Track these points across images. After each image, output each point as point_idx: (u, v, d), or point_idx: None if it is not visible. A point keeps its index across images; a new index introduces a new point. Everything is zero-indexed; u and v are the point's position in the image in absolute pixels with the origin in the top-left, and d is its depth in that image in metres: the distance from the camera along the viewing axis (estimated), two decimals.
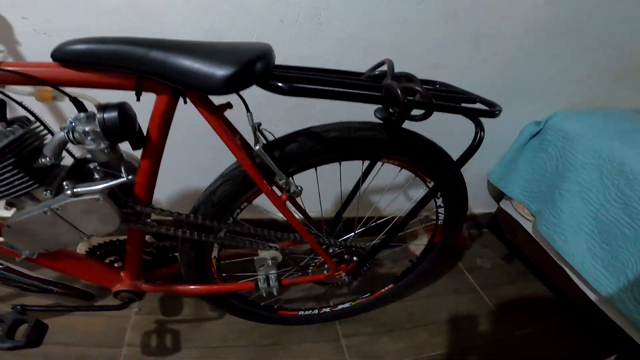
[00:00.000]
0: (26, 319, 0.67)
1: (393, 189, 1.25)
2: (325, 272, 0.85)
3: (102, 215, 0.55)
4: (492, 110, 0.54)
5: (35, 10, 0.80)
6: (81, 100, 0.52)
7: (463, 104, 0.59)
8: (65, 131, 0.51)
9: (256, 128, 0.62)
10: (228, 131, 0.58)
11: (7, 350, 0.63)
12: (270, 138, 0.65)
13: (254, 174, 0.61)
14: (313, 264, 0.85)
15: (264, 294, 0.82)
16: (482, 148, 0.56)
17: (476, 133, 0.56)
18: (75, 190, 0.52)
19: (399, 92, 0.51)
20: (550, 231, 1.03)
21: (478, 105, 0.58)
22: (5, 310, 0.70)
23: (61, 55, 0.47)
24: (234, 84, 0.47)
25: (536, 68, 1.07)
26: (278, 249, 0.75)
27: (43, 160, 0.52)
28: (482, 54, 1.00)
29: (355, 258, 0.84)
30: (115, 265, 0.81)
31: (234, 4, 0.83)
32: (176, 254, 0.84)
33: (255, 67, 0.48)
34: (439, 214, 0.82)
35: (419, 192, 1.25)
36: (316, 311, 1.05)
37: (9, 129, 0.51)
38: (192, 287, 0.79)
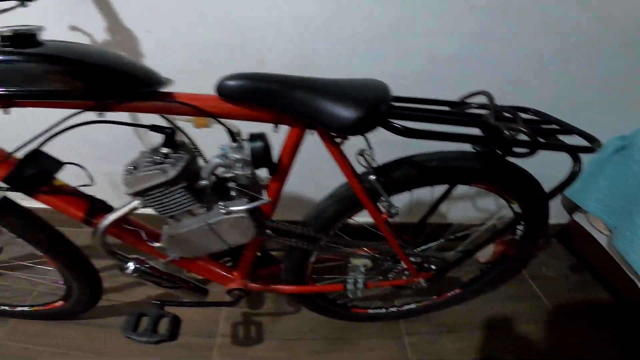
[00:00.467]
0: (165, 313, 0.81)
1: (464, 199, 1.31)
2: (404, 277, 0.95)
3: (243, 229, 0.67)
4: (592, 147, 0.60)
5: (156, 24, 0.93)
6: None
7: (559, 136, 0.65)
8: (220, 158, 0.63)
9: (363, 154, 0.72)
10: (345, 159, 0.68)
11: (154, 343, 0.77)
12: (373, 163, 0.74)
13: (362, 197, 0.71)
14: (395, 270, 0.94)
15: (350, 295, 0.92)
16: (560, 162, 0.60)
17: (574, 168, 0.62)
18: (229, 209, 0.64)
19: (506, 134, 0.58)
20: (626, 246, 1.06)
21: (577, 139, 0.64)
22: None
23: (222, 90, 0.58)
24: (362, 127, 0.57)
25: (626, 83, 1.08)
26: (369, 257, 0.85)
27: (202, 182, 0.64)
28: (569, 69, 1.03)
29: (433, 267, 0.92)
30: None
31: (324, 22, 0.92)
32: (273, 257, 0.96)
33: (379, 109, 0.58)
34: (517, 229, 0.89)
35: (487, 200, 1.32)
36: (383, 310, 1.16)
37: (175, 155, 0.62)
38: (288, 287, 0.92)
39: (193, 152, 0.65)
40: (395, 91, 0.65)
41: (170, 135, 0.60)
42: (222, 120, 0.61)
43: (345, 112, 0.56)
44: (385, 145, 0.77)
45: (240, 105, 0.60)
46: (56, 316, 1.05)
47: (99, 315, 1.12)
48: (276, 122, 0.62)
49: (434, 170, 0.71)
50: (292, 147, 0.66)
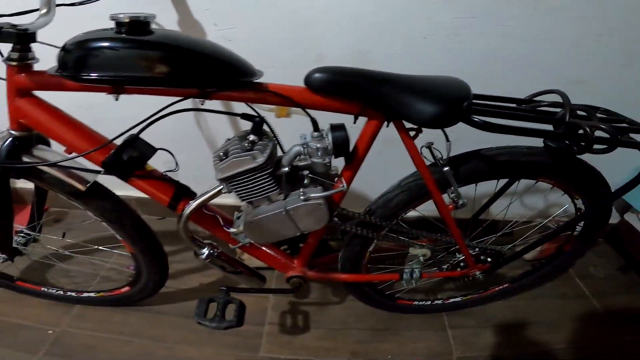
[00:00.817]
0: (231, 299, 0.86)
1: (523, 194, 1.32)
2: (459, 269, 0.97)
3: (318, 216, 0.71)
4: None
5: (223, 18, 0.98)
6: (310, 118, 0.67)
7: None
8: (302, 146, 0.66)
9: (430, 147, 0.74)
10: (418, 151, 0.71)
11: (223, 329, 0.81)
12: (437, 155, 0.77)
13: (432, 187, 0.74)
14: (451, 261, 0.96)
15: (405, 285, 0.95)
16: (614, 161, 0.61)
17: None
18: (308, 195, 0.68)
19: (588, 131, 0.60)
20: None
21: None
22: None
23: (311, 82, 0.63)
24: (446, 121, 0.61)
25: None
26: (430, 248, 0.88)
27: (283, 169, 0.68)
28: (632, 71, 1.04)
29: (489, 259, 0.94)
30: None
31: (381, 20, 0.95)
32: (329, 245, 0.99)
33: (462, 106, 0.61)
34: (577, 225, 0.90)
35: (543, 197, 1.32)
36: (429, 302, 1.18)
37: (261, 142, 0.66)
38: (345, 275, 0.95)
39: (275, 140, 0.69)
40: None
41: (259, 124, 0.65)
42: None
43: (431, 108, 0.60)
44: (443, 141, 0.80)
45: (327, 97, 0.64)
46: (120, 302, 1.12)
47: (157, 302, 1.18)
48: (358, 114, 0.66)
49: (504, 164, 0.74)
50: (369, 138, 0.70)
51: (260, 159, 0.63)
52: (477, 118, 0.61)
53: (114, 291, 1.08)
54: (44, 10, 0.57)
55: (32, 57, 0.62)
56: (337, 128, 0.66)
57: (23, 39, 0.59)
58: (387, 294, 1.14)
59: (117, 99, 0.61)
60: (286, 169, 0.68)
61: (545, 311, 1.24)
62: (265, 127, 0.69)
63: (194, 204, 0.73)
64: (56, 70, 0.59)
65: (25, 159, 0.69)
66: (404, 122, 0.68)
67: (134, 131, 0.63)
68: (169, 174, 0.75)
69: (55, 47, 0.65)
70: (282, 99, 0.63)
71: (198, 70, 0.58)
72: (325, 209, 0.70)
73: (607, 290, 1.32)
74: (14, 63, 0.60)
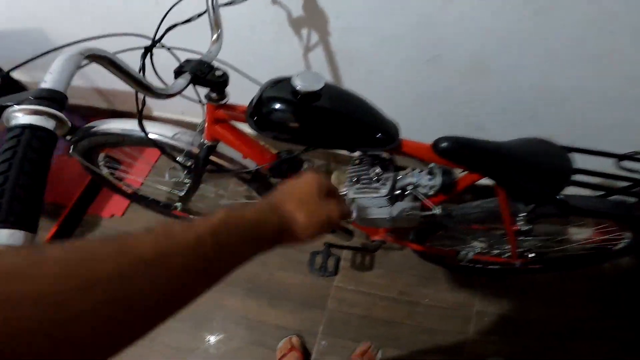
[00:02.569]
0: (331, 253, 1.20)
1: None
2: (503, 257, 1.25)
3: (411, 223, 0.98)
4: None
5: (345, 10, 1.07)
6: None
7: None
8: (414, 179, 0.90)
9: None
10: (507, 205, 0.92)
11: (327, 276, 1.16)
12: None
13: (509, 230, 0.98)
14: (498, 249, 1.24)
15: (459, 259, 1.26)
16: None
17: None
18: (410, 212, 0.94)
19: None
20: None
21: None
22: None
23: (437, 148, 0.79)
24: (544, 200, 0.81)
25: None
26: (486, 243, 1.15)
27: (395, 192, 0.93)
28: None
29: (532, 255, 1.21)
30: None
31: (502, 34, 1.02)
32: None
33: (561, 186, 0.80)
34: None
35: None
36: (471, 265, 1.48)
37: (385, 175, 0.90)
38: (415, 245, 1.26)
39: (395, 171, 0.92)
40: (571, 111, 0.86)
41: (388, 165, 0.88)
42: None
43: (537, 189, 0.80)
44: None
45: (449, 162, 0.82)
46: None
47: None
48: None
49: (584, 211, 0.91)
50: (469, 184, 0.90)
51: (384, 191, 0.88)
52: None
53: None
54: (214, 37, 0.75)
55: (225, 96, 0.81)
56: (447, 173, 0.87)
57: (221, 85, 0.76)
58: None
59: None
60: (399, 191, 0.93)
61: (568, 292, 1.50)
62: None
63: None
64: (247, 117, 0.80)
65: (212, 158, 0.98)
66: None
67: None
68: None
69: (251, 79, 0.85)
70: (414, 159, 0.84)
71: (356, 138, 0.79)
72: (418, 219, 0.97)
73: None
74: (213, 103, 0.81)
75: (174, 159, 0.94)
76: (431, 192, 0.90)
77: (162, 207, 1.50)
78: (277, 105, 0.74)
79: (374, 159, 0.91)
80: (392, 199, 0.93)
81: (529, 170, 0.80)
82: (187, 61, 0.71)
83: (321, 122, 0.76)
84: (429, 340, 1.40)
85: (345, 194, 0.96)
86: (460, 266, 1.47)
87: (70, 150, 1.11)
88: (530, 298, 1.50)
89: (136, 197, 1.54)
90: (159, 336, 1.41)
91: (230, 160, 0.99)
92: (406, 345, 1.39)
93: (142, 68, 0.69)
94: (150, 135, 0.96)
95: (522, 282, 1.53)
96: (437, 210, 0.92)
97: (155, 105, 1.81)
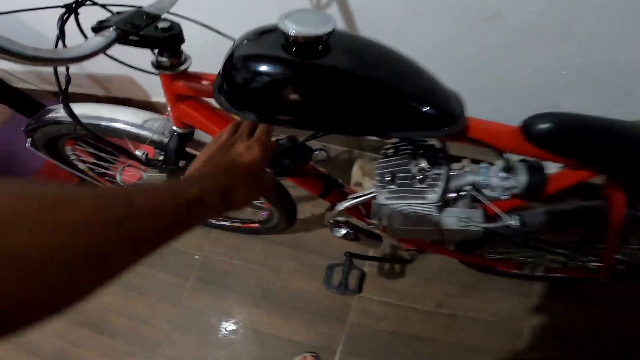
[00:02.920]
0: (354, 266, 0.94)
1: None
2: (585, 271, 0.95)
3: (468, 235, 0.70)
4: None
5: None
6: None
7: None
8: (479, 178, 0.61)
9: None
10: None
11: (347, 295, 0.90)
12: None
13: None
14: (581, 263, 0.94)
15: (526, 272, 0.97)
16: None
17: None
18: (471, 222, 0.65)
19: None
20: None
21: None
22: None
23: (531, 131, 0.53)
24: None
25: None
26: (567, 256, 0.86)
27: (448, 195, 0.65)
28: None
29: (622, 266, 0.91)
30: None
31: None
32: None
33: None
34: None
35: None
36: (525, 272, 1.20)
37: (433, 173, 0.62)
38: (461, 255, 0.99)
39: (447, 165, 0.63)
40: None
41: (438, 155, 0.59)
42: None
43: None
44: None
45: (545, 151, 0.54)
46: (249, 233, 1.32)
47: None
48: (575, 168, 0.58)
49: None
50: (567, 185, 0.63)
51: (433, 197, 0.60)
52: None
53: (246, 224, 1.27)
54: None
55: (184, 60, 0.56)
56: (535, 170, 0.57)
57: (171, 43, 0.51)
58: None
59: None
60: (454, 194, 0.64)
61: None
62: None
63: (346, 204, 0.74)
64: (214, 90, 0.54)
65: (188, 149, 0.72)
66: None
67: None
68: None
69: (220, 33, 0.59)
70: (486, 146, 0.55)
71: (390, 117, 0.50)
72: (478, 232, 0.68)
73: None
74: (167, 72, 0.55)
75: (130, 155, 0.69)
76: (505, 196, 0.61)
77: None
78: (259, 67, 0.47)
79: (417, 148, 0.63)
80: (444, 204, 0.66)
81: None
82: (118, 13, 0.45)
83: (331, 91, 0.48)
84: (472, 358, 1.18)
85: (372, 195, 0.69)
86: (513, 274, 1.21)
87: (27, 144, 0.89)
88: (596, 308, 1.22)
89: None
90: (160, 348, 1.25)
91: None
92: None
93: (61, 33, 0.45)
94: (116, 125, 0.72)
95: (587, 289, 1.24)
96: (513, 222, 0.63)
97: (153, 90, 1.58)
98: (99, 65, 1.52)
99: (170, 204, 0.33)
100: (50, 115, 0.80)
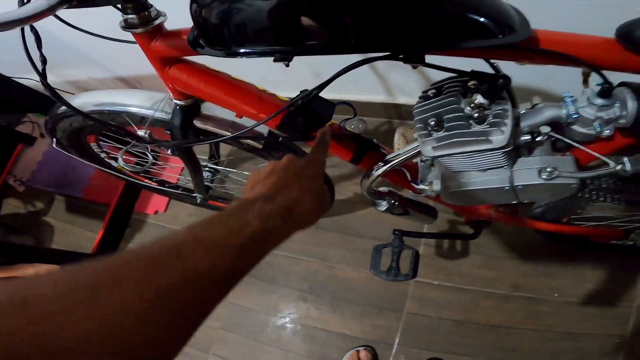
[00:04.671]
0: (405, 246, 0.79)
1: None
2: None
3: (556, 192, 0.52)
4: None
5: None
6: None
7: None
8: (565, 110, 0.44)
9: None
10: None
11: (401, 281, 0.76)
12: None
13: None
14: None
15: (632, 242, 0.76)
16: None
17: None
18: (557, 172, 0.48)
19: None
20: None
21: None
22: None
23: (630, 36, 0.39)
24: None
25: None
26: None
27: (522, 138, 0.48)
28: None
29: None
30: None
31: None
32: None
33: None
34: None
35: None
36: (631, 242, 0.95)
37: (496, 110, 0.46)
38: (545, 225, 0.79)
39: (512, 101, 0.47)
40: None
41: (502, 86, 0.43)
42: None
43: None
44: None
45: None
46: None
47: None
48: None
49: None
50: None
51: (500, 139, 0.44)
52: None
53: None
54: None
55: (156, 15, 0.47)
56: None
57: None
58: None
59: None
60: (527, 137, 0.47)
61: None
62: None
63: (385, 167, 0.60)
64: (196, 44, 0.44)
65: (197, 124, 0.63)
66: None
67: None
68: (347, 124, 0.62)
69: None
70: (568, 60, 0.40)
71: (420, 30, 0.37)
72: (576, 187, 0.50)
73: None
74: (139, 30, 0.46)
75: (133, 136, 0.61)
76: (605, 133, 0.43)
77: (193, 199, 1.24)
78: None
79: (466, 82, 0.47)
80: (514, 152, 0.49)
81: None
82: None
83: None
84: (567, 348, 0.99)
85: (417, 151, 0.54)
86: (612, 246, 0.98)
87: (54, 144, 0.87)
88: None
89: (165, 191, 1.30)
90: (212, 348, 1.22)
91: (222, 123, 0.63)
92: (532, 356, 1.00)
93: None
94: (117, 108, 0.66)
95: None
96: (623, 166, 0.44)
97: None
98: (129, 67, 1.52)
99: (229, 252, 0.29)
100: (61, 109, 0.76)
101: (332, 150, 0.63)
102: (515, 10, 0.41)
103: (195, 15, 0.41)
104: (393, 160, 0.59)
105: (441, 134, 0.47)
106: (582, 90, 0.46)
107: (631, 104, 0.41)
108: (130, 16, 0.45)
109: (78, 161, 0.95)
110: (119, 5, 0.44)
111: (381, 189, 0.72)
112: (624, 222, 0.80)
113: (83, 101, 0.70)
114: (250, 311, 1.22)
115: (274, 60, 0.40)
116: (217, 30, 0.40)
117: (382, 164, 0.60)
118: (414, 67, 0.42)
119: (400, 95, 1.25)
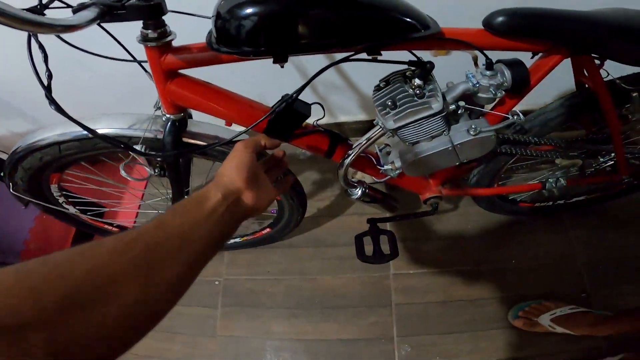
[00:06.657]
0: (381, 230, 0.92)
1: None
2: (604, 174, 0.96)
3: (485, 147, 0.72)
4: None
5: None
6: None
7: None
8: (470, 84, 0.64)
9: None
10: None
11: (388, 261, 0.87)
12: None
13: (609, 107, 0.72)
14: (596, 165, 0.95)
15: (546, 194, 0.97)
16: None
17: None
18: (479, 129, 0.67)
19: None
20: None
21: None
22: None
23: (493, 25, 0.62)
24: None
25: None
26: (581, 157, 0.87)
27: (450, 107, 0.67)
28: None
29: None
30: None
31: None
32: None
33: None
34: None
35: None
36: (550, 203, 1.21)
37: (429, 87, 0.65)
38: (482, 190, 0.98)
39: (435, 81, 0.67)
40: None
41: (429, 70, 0.62)
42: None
43: None
44: None
45: (510, 38, 0.64)
46: (263, 242, 1.27)
47: (286, 236, 1.30)
48: (544, 52, 0.66)
49: None
50: (546, 72, 0.69)
51: (437, 105, 0.63)
52: None
53: (256, 233, 1.22)
54: None
55: (170, 32, 0.59)
56: (515, 64, 0.65)
57: (154, 11, 0.53)
58: (511, 198, 1.18)
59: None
60: (453, 106, 0.67)
61: None
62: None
63: (354, 153, 0.75)
64: (214, 45, 0.57)
65: (185, 139, 0.73)
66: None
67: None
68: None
69: (195, 15, 0.63)
70: (462, 44, 0.62)
71: (372, 30, 0.56)
72: (495, 139, 0.70)
73: None
74: (154, 44, 0.58)
75: (129, 148, 0.67)
76: (499, 95, 0.65)
77: None
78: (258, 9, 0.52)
79: (404, 73, 0.67)
80: (448, 120, 0.68)
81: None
82: None
83: (333, 19, 0.54)
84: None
85: (378, 133, 0.70)
86: (538, 209, 1.22)
87: (11, 189, 0.86)
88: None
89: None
90: None
91: (207, 136, 0.75)
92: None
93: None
94: (105, 131, 0.72)
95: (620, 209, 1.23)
96: (517, 117, 0.68)
97: None
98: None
99: (199, 216, 0.44)
100: (27, 143, 0.76)
101: (308, 146, 0.77)
102: (425, 14, 0.62)
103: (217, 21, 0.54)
104: (358, 147, 0.75)
105: (397, 110, 0.64)
106: (475, 70, 0.68)
107: (507, 72, 0.65)
108: (149, 31, 0.56)
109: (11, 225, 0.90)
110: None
111: (353, 179, 0.87)
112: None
113: (64, 130, 0.73)
114: (242, 339, 1.19)
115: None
116: (235, 30, 0.53)
117: (350, 152, 0.76)
118: (374, 60, 0.60)
119: (340, 114, 1.43)
